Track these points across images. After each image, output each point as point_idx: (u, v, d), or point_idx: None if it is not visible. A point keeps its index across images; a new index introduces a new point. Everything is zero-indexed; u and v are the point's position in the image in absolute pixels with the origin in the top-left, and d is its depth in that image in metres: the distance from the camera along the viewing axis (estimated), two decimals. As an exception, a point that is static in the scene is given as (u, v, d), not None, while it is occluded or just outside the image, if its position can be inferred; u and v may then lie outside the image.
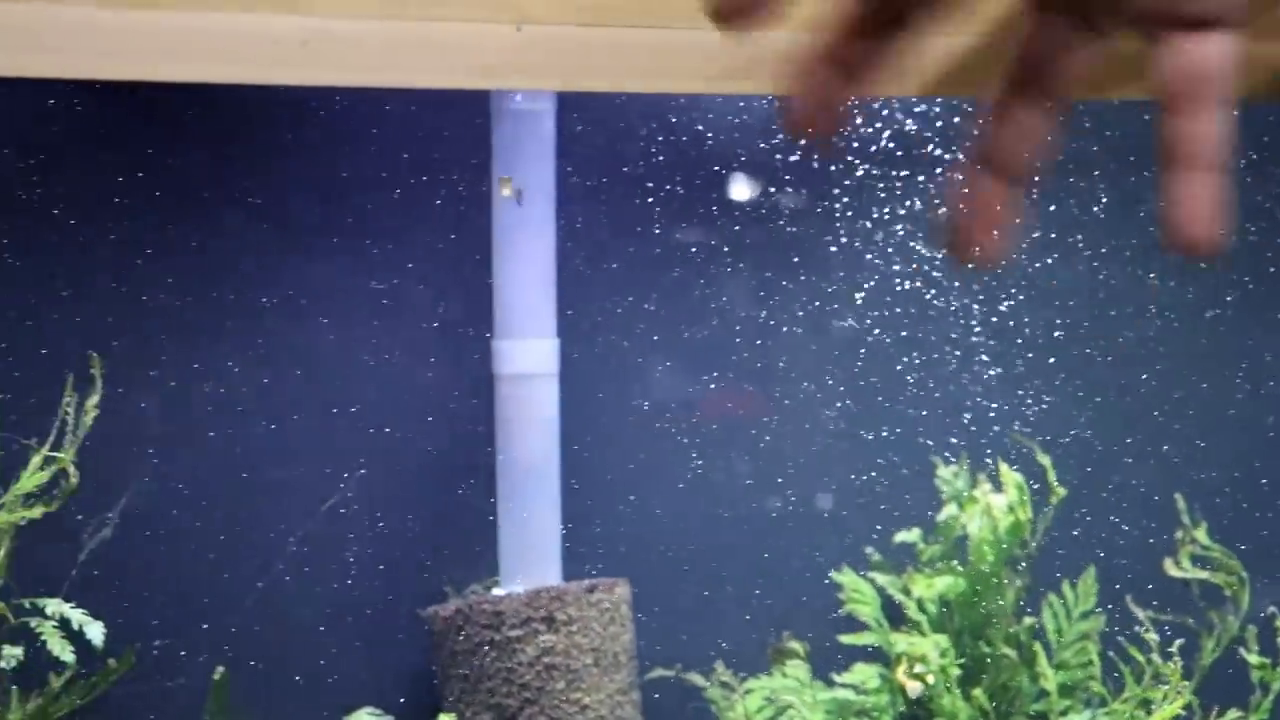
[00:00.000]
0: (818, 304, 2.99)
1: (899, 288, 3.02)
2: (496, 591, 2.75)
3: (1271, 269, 3.16)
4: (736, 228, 2.99)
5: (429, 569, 2.81)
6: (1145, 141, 3.11)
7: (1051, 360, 3.09)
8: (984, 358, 3.05)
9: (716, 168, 2.98)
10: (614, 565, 2.81)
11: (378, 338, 2.85)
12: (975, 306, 3.04)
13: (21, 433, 2.37)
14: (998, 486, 2.74)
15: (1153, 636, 2.71)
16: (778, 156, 2.98)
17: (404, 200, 2.88)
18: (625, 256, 2.96)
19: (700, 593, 2.86)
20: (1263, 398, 3.23)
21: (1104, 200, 3.14)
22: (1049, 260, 3.09)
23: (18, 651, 2.35)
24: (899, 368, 3.02)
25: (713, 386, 3.00)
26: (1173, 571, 2.76)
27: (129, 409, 2.64)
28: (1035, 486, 2.84)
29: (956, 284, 3.01)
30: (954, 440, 2.98)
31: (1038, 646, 2.70)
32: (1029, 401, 3.04)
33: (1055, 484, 2.79)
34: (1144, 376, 3.14)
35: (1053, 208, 3.07)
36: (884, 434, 2.98)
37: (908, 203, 3.02)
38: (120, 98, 2.74)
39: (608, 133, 2.93)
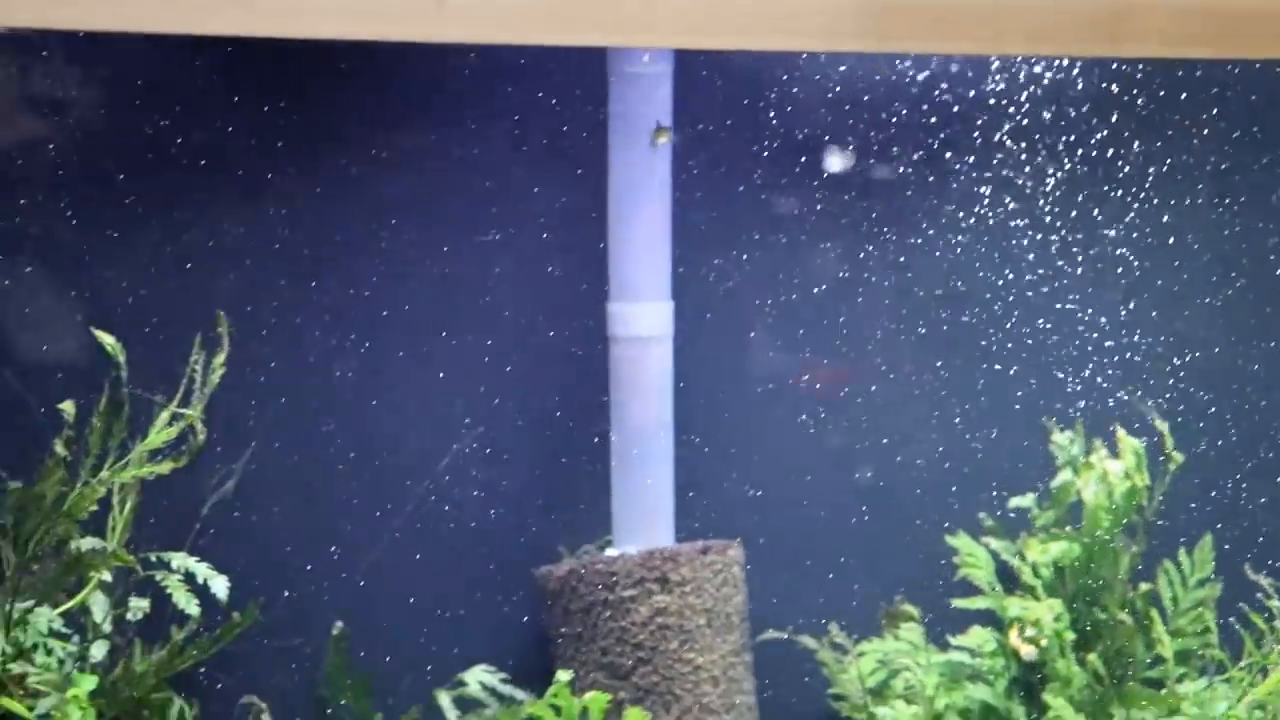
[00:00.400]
0: (932, 268, 2.95)
1: (1012, 250, 2.98)
2: (610, 552, 2.73)
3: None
4: (849, 193, 2.93)
5: (543, 530, 2.81)
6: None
7: (1168, 322, 3.04)
8: (1101, 321, 3.00)
9: (829, 133, 2.92)
10: (727, 527, 2.78)
11: (492, 300, 2.83)
12: (1085, 270, 3.01)
13: (149, 390, 2.39)
14: (1114, 452, 2.72)
15: (1275, 603, 2.70)
16: (891, 120, 2.92)
17: (520, 161, 2.84)
18: (740, 220, 2.91)
19: (812, 556, 2.86)
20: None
21: (1213, 160, 3.12)
22: (1162, 215, 3.03)
23: (144, 604, 2.36)
24: (1015, 332, 2.99)
25: (824, 352, 2.96)
26: None
27: (251, 367, 2.62)
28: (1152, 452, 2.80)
29: (1070, 246, 3.01)
30: (1070, 405, 2.95)
31: (1153, 613, 2.68)
32: (1145, 365, 3.01)
33: (1173, 450, 2.78)
34: (1270, 341, 3.10)
35: (1165, 164, 3.08)
36: (998, 399, 2.96)
37: (1017, 167, 3.03)
38: (241, 54, 2.71)
39: (724, 96, 2.87)
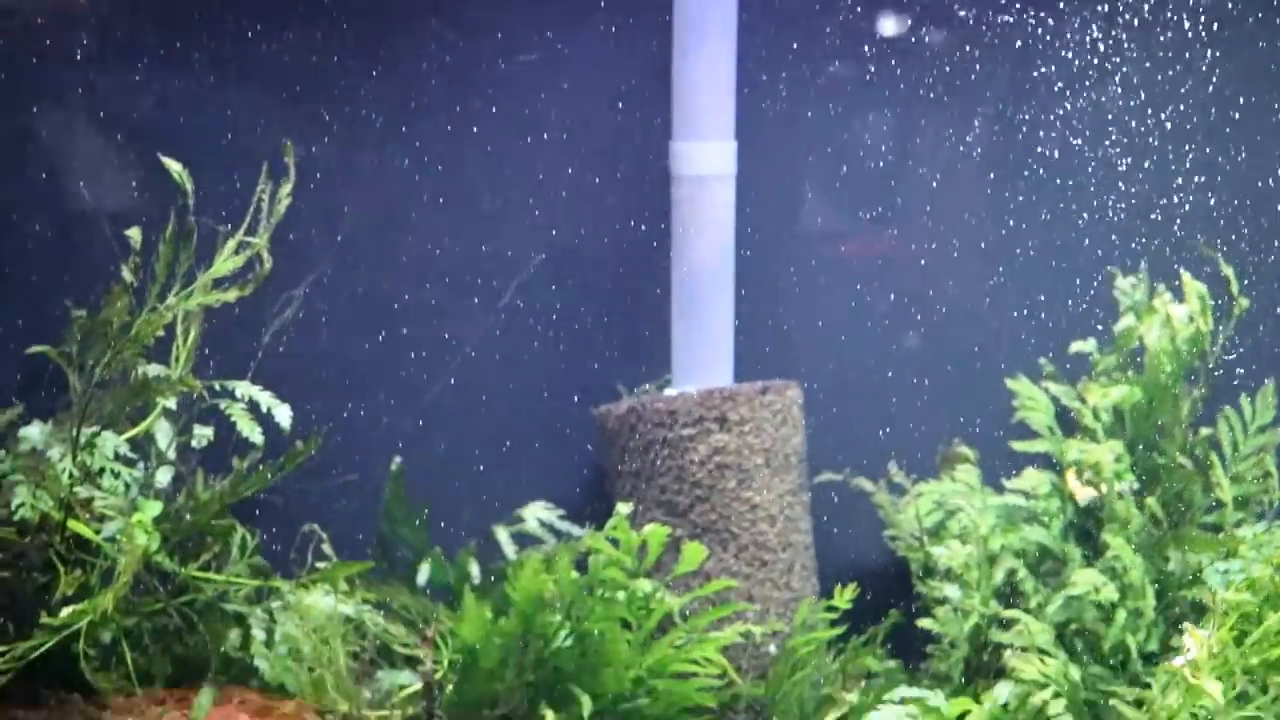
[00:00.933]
0: (991, 124, 2.91)
1: (1075, 102, 2.94)
2: (669, 392, 2.76)
3: None
4: (914, 51, 2.90)
5: (603, 369, 2.84)
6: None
7: (1236, 171, 2.99)
8: (1169, 164, 2.98)
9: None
10: (786, 369, 2.81)
11: (557, 139, 2.82)
12: (1152, 112, 2.96)
13: (217, 219, 2.40)
14: (1179, 297, 2.71)
15: None
16: None
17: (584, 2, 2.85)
18: (807, 62, 2.89)
19: (871, 399, 2.88)
20: None
21: None
22: (1225, 61, 2.97)
23: (208, 432, 2.41)
24: (1075, 179, 2.96)
25: (884, 203, 2.94)
26: None
27: (319, 201, 2.64)
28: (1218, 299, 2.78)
29: (1133, 95, 2.98)
30: (1134, 249, 2.95)
31: (1213, 458, 2.69)
32: (1211, 209, 2.99)
33: (1239, 294, 2.77)
34: None
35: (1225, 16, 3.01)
36: (1059, 244, 2.95)
37: (1072, 32, 2.99)
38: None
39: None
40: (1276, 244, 3.04)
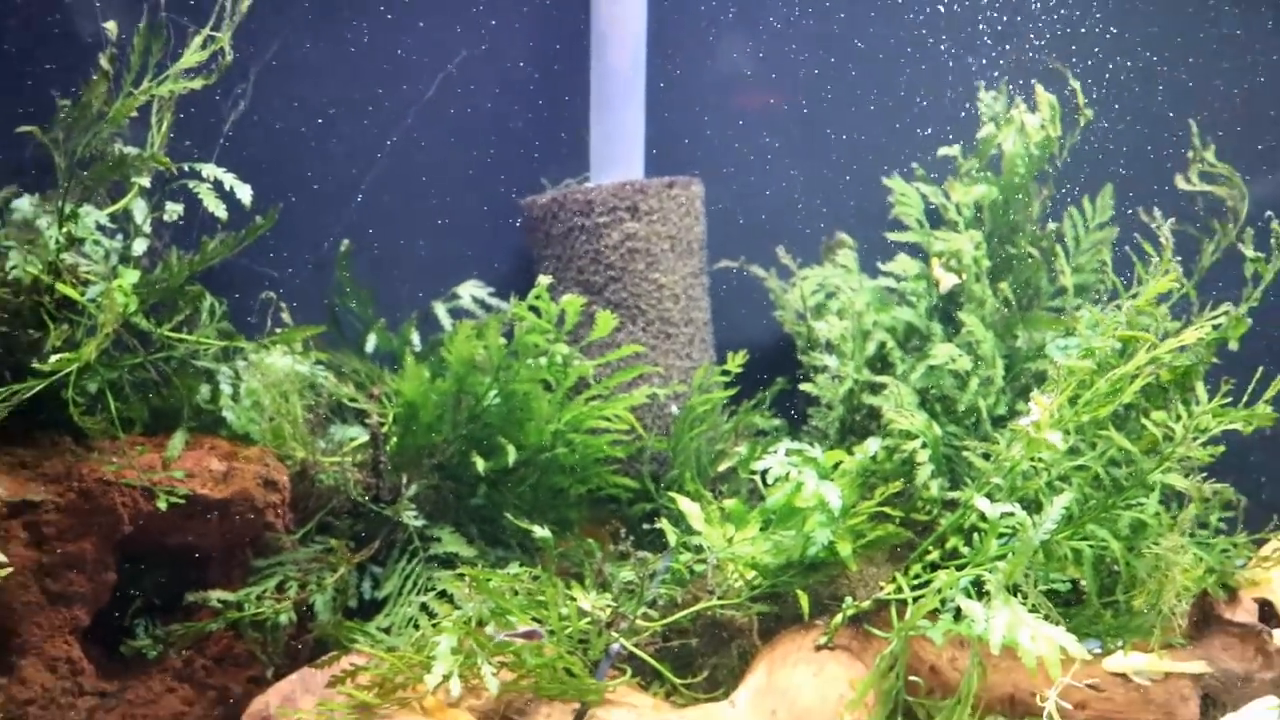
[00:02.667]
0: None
1: None
2: (587, 184, 2.87)
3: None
4: None
5: (529, 164, 2.92)
6: None
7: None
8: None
9: None
10: (691, 165, 2.90)
11: None
12: None
13: (183, 16, 2.42)
14: (1033, 107, 2.82)
15: (1164, 233, 2.79)
16: None
17: None
18: None
19: (765, 194, 2.97)
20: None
21: None
22: None
23: (178, 208, 2.48)
24: (944, 8, 3.03)
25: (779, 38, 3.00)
26: (1182, 185, 2.87)
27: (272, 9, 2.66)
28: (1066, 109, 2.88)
29: None
30: (997, 65, 3.04)
31: (1058, 250, 2.84)
32: (1067, 26, 3.08)
33: (1084, 105, 2.89)
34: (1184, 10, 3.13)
35: None
36: (930, 62, 3.05)
37: None
38: None
39: None
40: (1121, 61, 3.13)
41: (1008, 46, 3.04)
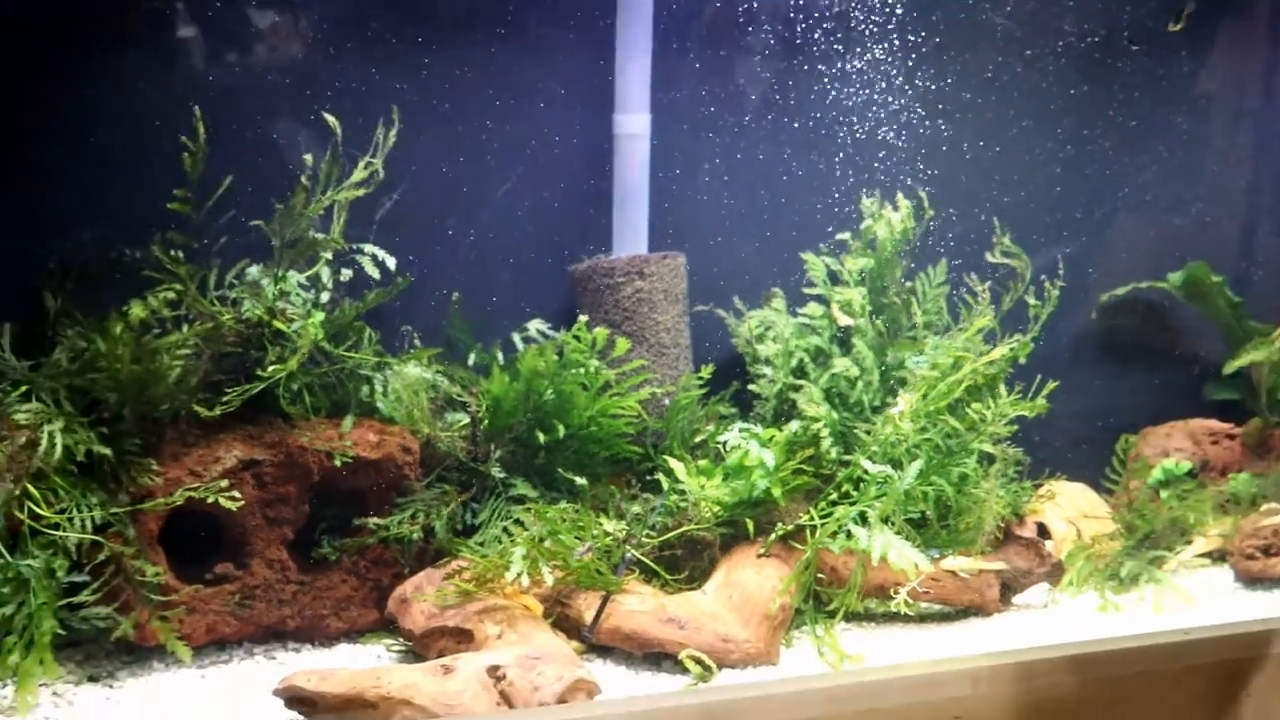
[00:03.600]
0: (795, 98, 3.17)
1: (843, 92, 3.21)
2: (610, 257, 3.03)
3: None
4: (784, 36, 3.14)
5: (574, 243, 3.08)
6: None
7: (937, 142, 3.31)
8: (888, 133, 3.27)
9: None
10: (678, 243, 3.08)
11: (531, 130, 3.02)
12: (881, 99, 3.25)
13: (355, 148, 2.58)
14: (895, 208, 3.01)
15: (982, 290, 3.04)
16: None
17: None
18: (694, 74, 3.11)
19: (724, 264, 3.15)
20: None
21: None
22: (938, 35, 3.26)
23: (349, 272, 2.68)
24: (842, 139, 3.22)
25: (737, 164, 3.15)
26: (990, 259, 3.13)
27: (401, 139, 2.70)
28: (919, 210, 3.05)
29: (870, 88, 3.22)
30: (879, 184, 3.25)
31: (913, 300, 3.04)
32: (918, 156, 3.30)
33: (928, 207, 3.11)
34: (993, 145, 3.37)
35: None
36: (833, 180, 3.24)
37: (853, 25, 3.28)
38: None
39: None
40: (953, 175, 3.35)
41: (881, 170, 3.26)
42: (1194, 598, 2.99)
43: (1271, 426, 3.41)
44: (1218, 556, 3.18)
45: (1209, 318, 3.42)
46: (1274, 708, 2.51)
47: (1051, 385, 2.81)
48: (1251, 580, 3.12)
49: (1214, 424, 3.47)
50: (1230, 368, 3.42)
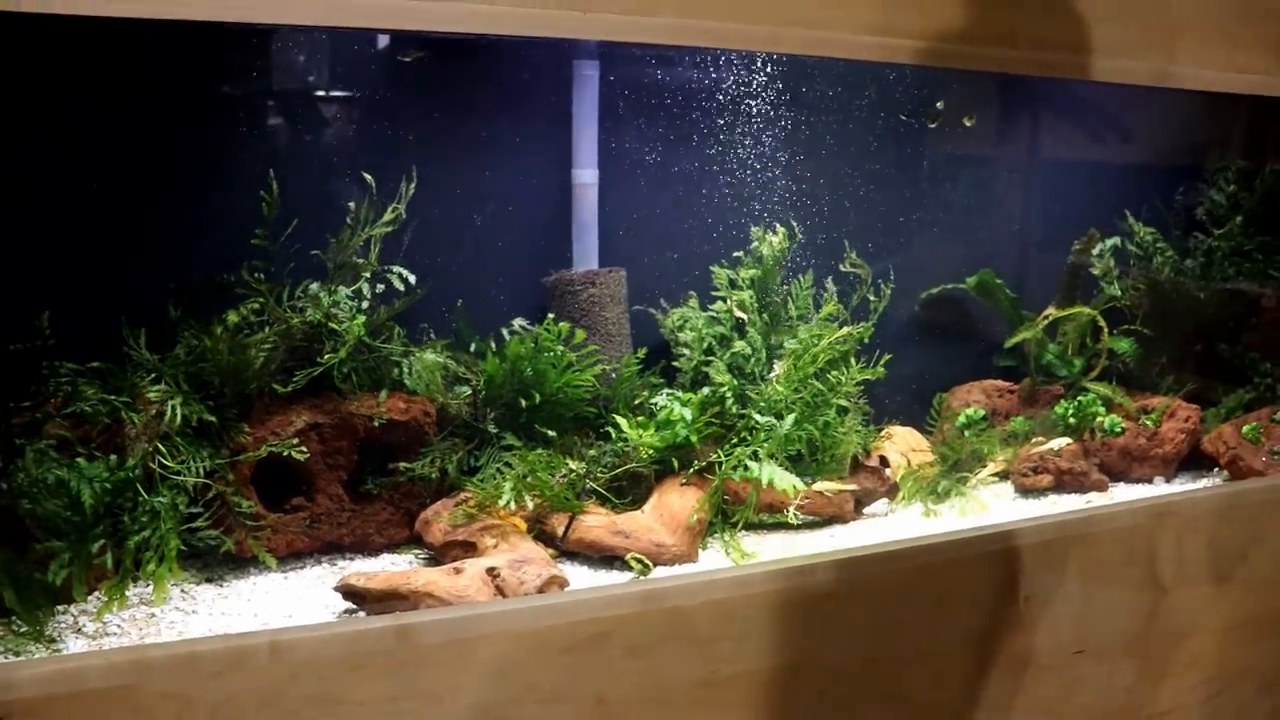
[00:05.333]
0: (698, 166, 3.16)
1: (740, 156, 3.26)
2: (571, 271, 3.05)
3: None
4: (670, 113, 3.12)
5: (547, 261, 3.07)
6: None
7: (809, 186, 3.34)
8: (770, 180, 3.29)
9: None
10: (619, 263, 3.09)
11: (506, 171, 3.01)
12: (765, 178, 3.29)
13: (381, 196, 2.62)
14: (775, 234, 3.11)
15: (831, 290, 3.13)
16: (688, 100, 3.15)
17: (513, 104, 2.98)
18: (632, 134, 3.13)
19: (653, 274, 3.17)
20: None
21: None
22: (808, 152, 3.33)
23: (382, 286, 2.69)
24: (740, 194, 3.23)
25: (664, 205, 3.14)
26: (844, 268, 3.23)
27: (421, 192, 2.69)
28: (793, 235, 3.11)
29: (753, 143, 3.29)
30: (763, 217, 3.28)
31: (789, 299, 3.12)
32: (792, 196, 3.31)
33: (798, 233, 3.20)
34: (844, 189, 3.40)
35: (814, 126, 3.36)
36: (732, 213, 3.26)
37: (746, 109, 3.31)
38: None
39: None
40: (820, 211, 3.37)
41: (765, 206, 3.27)
42: (987, 505, 3.12)
43: (1038, 384, 3.58)
44: (1002, 476, 3.32)
45: (995, 309, 3.53)
46: (1038, 579, 2.65)
47: (887, 357, 2.92)
48: (1025, 492, 3.28)
49: (1000, 383, 3.61)
50: (1010, 343, 3.56)
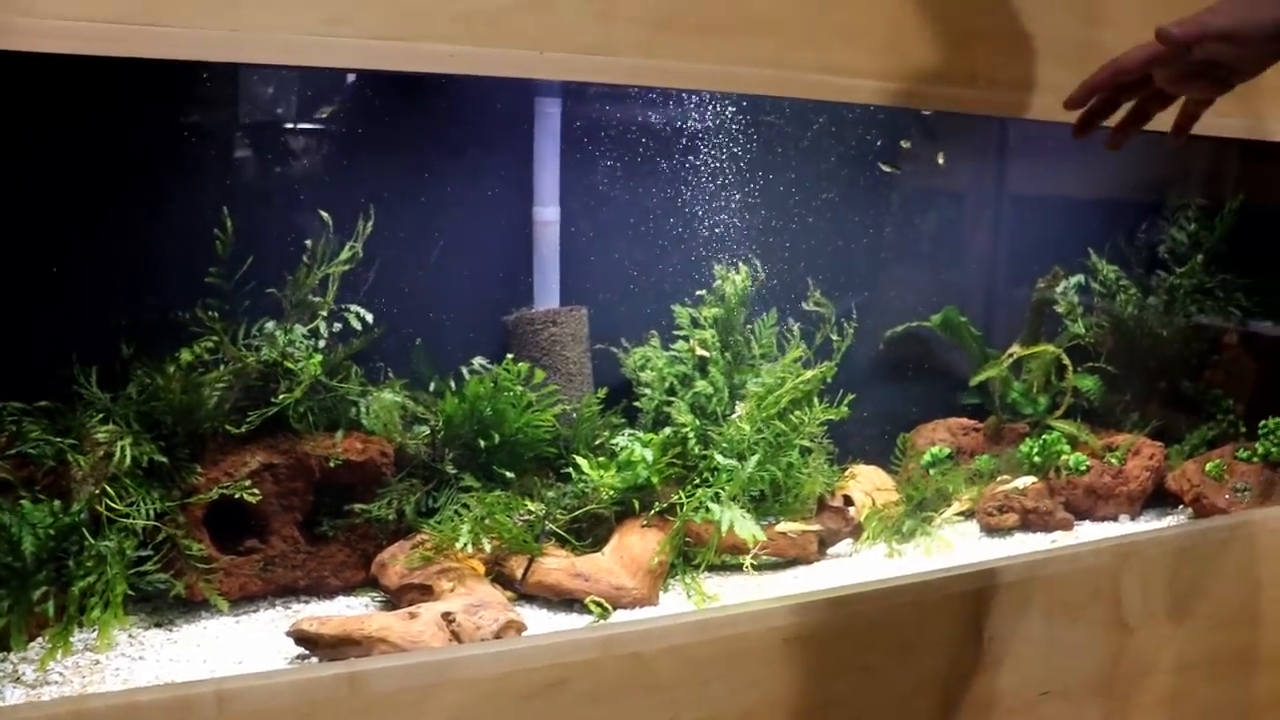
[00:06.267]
0: (647, 195, 3.19)
1: (690, 179, 3.28)
2: (532, 309, 3.06)
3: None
4: (624, 144, 3.14)
5: (508, 300, 3.08)
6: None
7: (767, 219, 3.36)
8: (733, 219, 3.32)
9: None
10: (580, 301, 3.10)
11: (476, 208, 3.01)
12: (719, 212, 3.33)
13: (339, 235, 2.62)
14: (738, 272, 3.13)
15: (799, 330, 3.15)
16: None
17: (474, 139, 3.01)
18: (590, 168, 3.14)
19: (614, 314, 3.16)
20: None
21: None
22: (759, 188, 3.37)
23: (339, 325, 2.68)
24: (707, 234, 3.25)
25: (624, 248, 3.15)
26: (806, 308, 3.25)
27: (381, 226, 2.68)
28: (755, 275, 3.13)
29: (714, 177, 3.34)
30: (723, 254, 3.30)
31: (752, 338, 3.12)
32: (755, 235, 3.35)
33: (760, 270, 3.20)
34: (809, 228, 3.42)
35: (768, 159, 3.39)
36: (694, 252, 3.28)
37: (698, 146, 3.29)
38: None
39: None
40: (784, 250, 3.39)
41: (728, 245, 3.30)
42: (952, 545, 3.13)
43: (1003, 422, 3.61)
44: (968, 515, 3.33)
45: (959, 347, 3.56)
46: (1002, 619, 2.66)
47: (850, 397, 2.92)
48: (990, 531, 3.30)
49: (965, 421, 3.63)
50: (975, 381, 3.59)
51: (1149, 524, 3.39)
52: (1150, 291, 3.80)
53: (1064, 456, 3.42)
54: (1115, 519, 3.42)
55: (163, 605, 2.50)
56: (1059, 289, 3.63)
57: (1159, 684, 2.95)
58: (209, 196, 2.67)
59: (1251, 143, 2.98)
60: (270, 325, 2.63)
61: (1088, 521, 3.40)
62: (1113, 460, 3.44)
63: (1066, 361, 3.54)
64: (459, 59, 2.10)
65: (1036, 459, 3.42)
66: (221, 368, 2.53)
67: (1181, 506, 3.49)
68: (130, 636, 2.33)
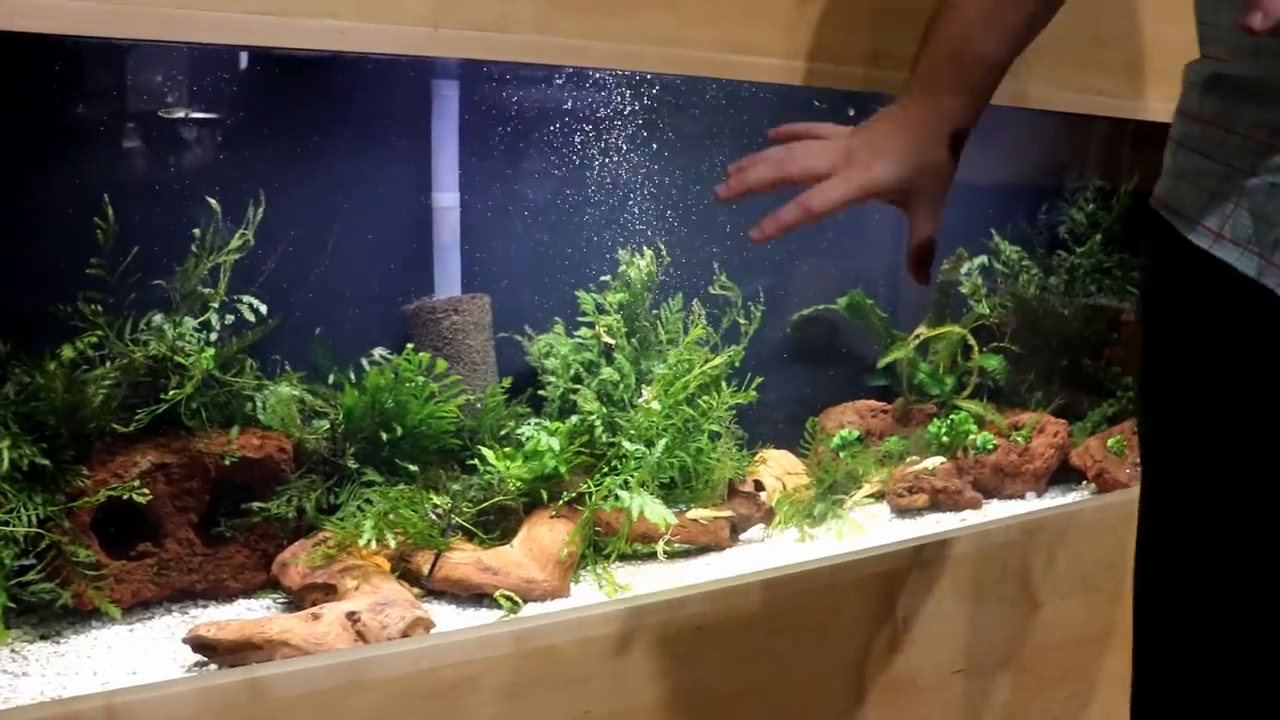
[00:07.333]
0: (574, 183, 3.18)
1: (603, 165, 3.27)
2: (433, 298, 3.02)
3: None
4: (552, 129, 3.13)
5: (409, 288, 3.03)
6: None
7: (673, 202, 3.35)
8: (637, 202, 3.32)
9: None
10: (482, 288, 3.07)
11: (378, 196, 2.97)
12: (638, 197, 3.34)
13: (228, 221, 2.59)
14: (643, 257, 3.13)
15: (704, 314, 3.14)
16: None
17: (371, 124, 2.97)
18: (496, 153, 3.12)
19: (516, 301, 3.13)
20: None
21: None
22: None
23: (232, 317, 2.63)
24: (619, 216, 3.25)
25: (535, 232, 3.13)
26: (714, 290, 3.25)
27: (274, 206, 2.65)
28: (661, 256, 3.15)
29: (633, 166, 3.34)
30: (627, 238, 3.29)
31: (659, 323, 3.13)
32: (660, 219, 3.33)
33: (665, 254, 3.22)
34: (707, 211, 3.42)
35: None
36: (598, 236, 3.26)
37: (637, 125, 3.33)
38: None
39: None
40: (688, 233, 3.39)
41: (633, 229, 3.29)
42: (864, 527, 3.18)
43: (911, 404, 3.67)
44: (878, 497, 3.38)
45: (867, 329, 3.60)
46: (915, 599, 2.71)
47: (759, 380, 2.94)
48: (901, 512, 3.36)
49: (873, 403, 3.69)
50: (882, 363, 3.65)
51: (1054, 500, 3.48)
52: (1051, 271, 3.89)
53: (971, 436, 3.50)
54: (1022, 496, 3.51)
55: (49, 616, 2.41)
56: (963, 270, 3.70)
57: (1065, 658, 3.04)
58: (89, 185, 2.58)
59: (1144, 125, 3.06)
60: (158, 318, 2.56)
61: (996, 500, 3.48)
62: (1018, 439, 3.52)
63: (972, 342, 3.62)
64: (349, 36, 2.04)
65: (945, 439, 3.49)
66: (107, 364, 2.46)
67: (1085, 482, 3.60)
68: (13, 652, 2.24)
